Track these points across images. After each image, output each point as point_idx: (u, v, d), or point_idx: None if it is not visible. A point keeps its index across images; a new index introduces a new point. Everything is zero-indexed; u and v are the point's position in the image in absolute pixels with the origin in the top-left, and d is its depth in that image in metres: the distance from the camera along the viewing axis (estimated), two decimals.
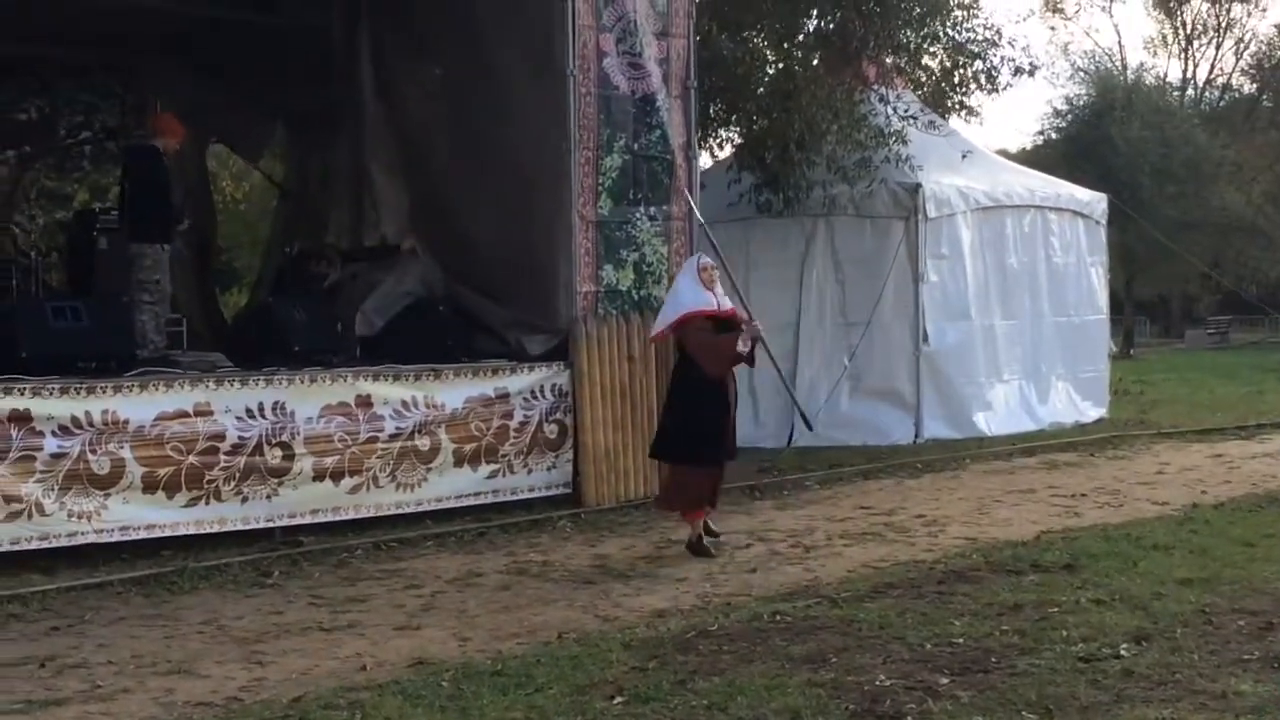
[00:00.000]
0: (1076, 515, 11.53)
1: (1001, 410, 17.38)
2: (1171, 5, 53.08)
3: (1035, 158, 37.40)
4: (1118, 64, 50.77)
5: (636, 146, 12.89)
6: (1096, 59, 51.11)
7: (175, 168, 12.85)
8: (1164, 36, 54.01)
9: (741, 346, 10.26)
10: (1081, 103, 42.49)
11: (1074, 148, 39.46)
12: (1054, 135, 43.41)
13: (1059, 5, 52.99)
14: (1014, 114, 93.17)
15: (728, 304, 10.64)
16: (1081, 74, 47.92)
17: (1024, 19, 76.37)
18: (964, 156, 17.47)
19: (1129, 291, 41.84)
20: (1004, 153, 31.69)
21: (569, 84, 12.30)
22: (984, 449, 15.73)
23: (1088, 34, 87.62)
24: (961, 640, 7.34)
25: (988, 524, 11.28)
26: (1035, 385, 18.06)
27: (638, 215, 12.85)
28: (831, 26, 16.67)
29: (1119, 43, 70.59)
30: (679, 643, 7.52)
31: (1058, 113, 43.47)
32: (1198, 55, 53.31)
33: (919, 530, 11.08)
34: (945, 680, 6.64)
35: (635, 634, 7.80)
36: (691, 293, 10.48)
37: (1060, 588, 8.52)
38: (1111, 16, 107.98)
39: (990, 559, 9.58)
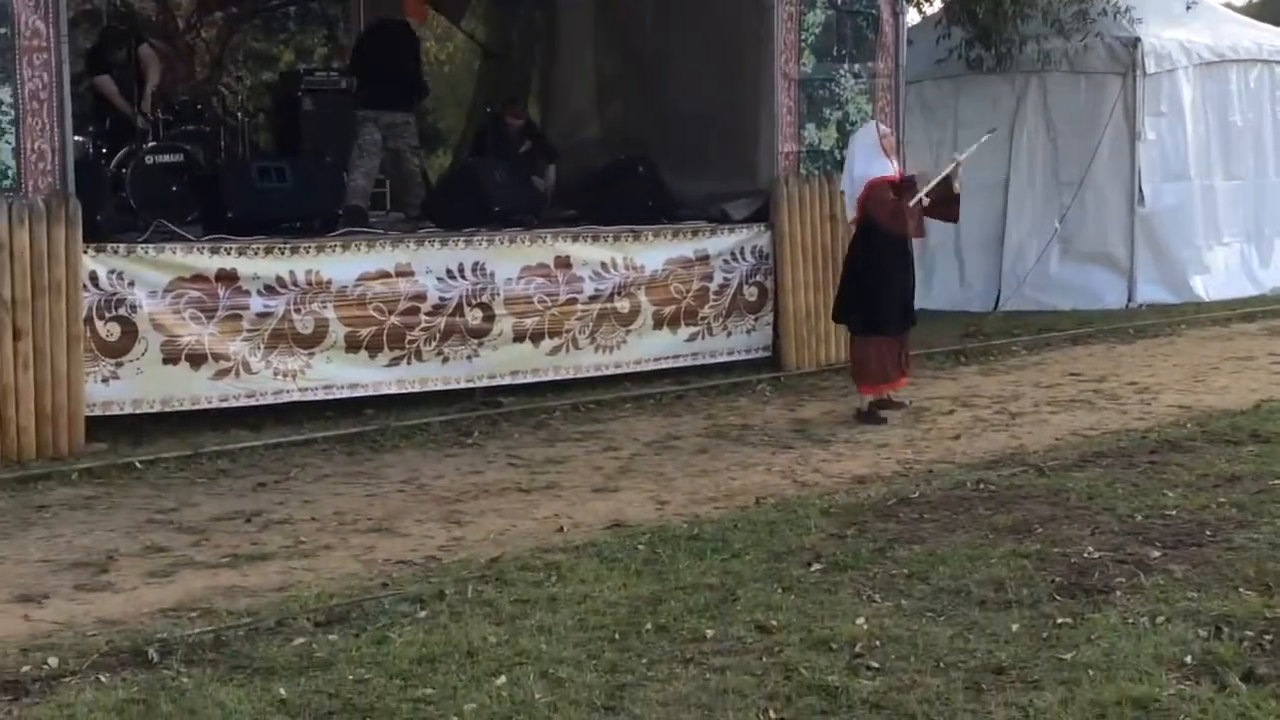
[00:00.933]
0: None
1: (1220, 274, 16.69)
2: None
3: (1264, 11, 35.68)
4: None
5: (840, 1, 12.51)
6: None
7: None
8: None
9: (925, 200, 10.12)
10: None
11: None
12: None
13: None
14: None
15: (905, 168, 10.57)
16: None
17: None
18: (1189, 8, 16.66)
19: None
20: (1229, 5, 30.25)
21: None
22: (1201, 314, 15.15)
23: None
24: (1174, 512, 7.05)
25: (1203, 392, 10.87)
26: (1257, 248, 17.30)
27: (841, 73, 12.51)
28: None
29: None
30: (879, 509, 7.37)
31: None
32: None
33: (1130, 398, 10.72)
34: (1157, 554, 6.39)
35: (834, 500, 7.67)
36: (866, 161, 10.27)
37: None
38: None
39: (1206, 428, 9.22)
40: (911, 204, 10.05)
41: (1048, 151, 16.26)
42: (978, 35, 15.43)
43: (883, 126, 10.42)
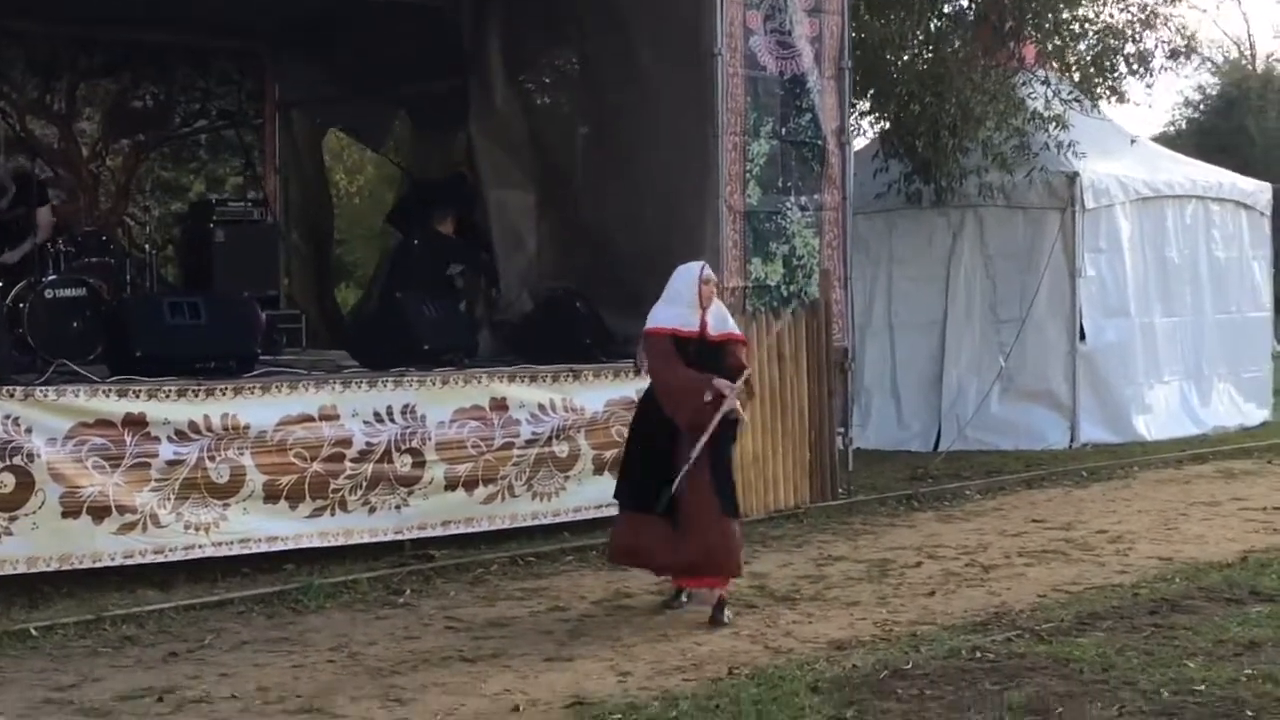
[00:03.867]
0: (1276, 531, 10.50)
1: (1162, 413, 16.27)
2: None
3: (1170, 148, 36.03)
4: (1247, 53, 49.08)
5: (785, 131, 12.01)
6: (1224, 49, 49.42)
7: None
8: None
9: (709, 397, 8.18)
10: (1215, 92, 40.95)
11: (1208, 139, 37.98)
12: (1184, 125, 41.90)
13: None
14: (1140, 103, 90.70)
15: (729, 327, 8.57)
16: (1210, 63, 46.34)
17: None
18: (1133, 142, 16.43)
19: None
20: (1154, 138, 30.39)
21: (716, 64, 11.43)
22: (1150, 455, 14.67)
23: (1215, 23, 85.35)
24: (1203, 687, 6.38)
25: (1179, 541, 10.30)
26: (1197, 386, 16.93)
27: (788, 205, 11.97)
28: (976, 5, 15.76)
29: (1248, 32, 68.33)
30: (873, 685, 6.63)
31: (1188, 102, 41.94)
32: None
33: (1104, 548, 10.12)
34: None
35: (819, 672, 6.93)
36: (666, 303, 8.51)
37: None
38: (1240, 4, 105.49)
39: (1200, 584, 8.62)
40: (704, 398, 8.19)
41: (985, 288, 15.85)
42: (917, 168, 15.02)
43: (708, 270, 8.57)
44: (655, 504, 8.32)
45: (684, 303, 8.44)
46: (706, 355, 8.37)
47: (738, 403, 8.37)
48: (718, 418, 8.19)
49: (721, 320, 8.54)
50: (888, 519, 11.52)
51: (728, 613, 8.25)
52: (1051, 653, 7.07)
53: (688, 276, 8.52)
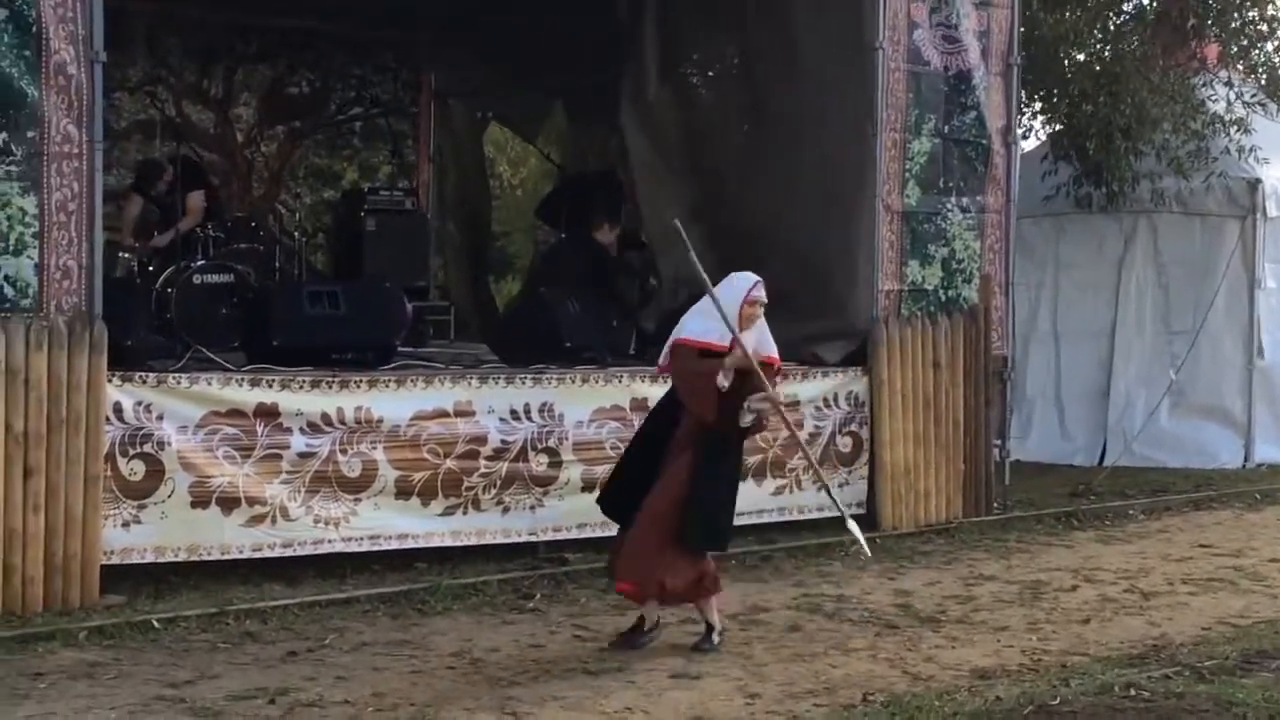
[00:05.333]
0: None
1: None
2: None
3: None
4: None
5: (948, 129, 11.53)
6: None
7: None
8: None
9: (722, 380, 7.49)
10: None
11: None
12: None
13: None
14: None
15: (766, 348, 7.73)
16: None
17: None
18: None
19: None
20: None
21: (877, 59, 10.99)
22: None
23: None
24: None
25: None
26: None
27: (948, 206, 11.50)
28: (1157, 3, 15.12)
29: None
30: None
31: None
32: None
33: (1276, 578, 9.52)
34: None
35: (959, 704, 6.51)
36: (702, 318, 7.77)
37: None
38: None
39: None
40: (718, 381, 7.49)
41: (1158, 297, 15.19)
42: (1087, 171, 14.41)
43: (758, 290, 7.71)
44: (623, 512, 7.77)
45: (720, 319, 7.61)
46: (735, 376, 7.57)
47: (755, 414, 7.64)
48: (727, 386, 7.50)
49: (760, 340, 7.70)
50: (1044, 537, 11.01)
51: (646, 638, 7.70)
52: (1213, 693, 6.56)
53: (732, 292, 7.71)
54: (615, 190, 13.40)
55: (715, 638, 7.74)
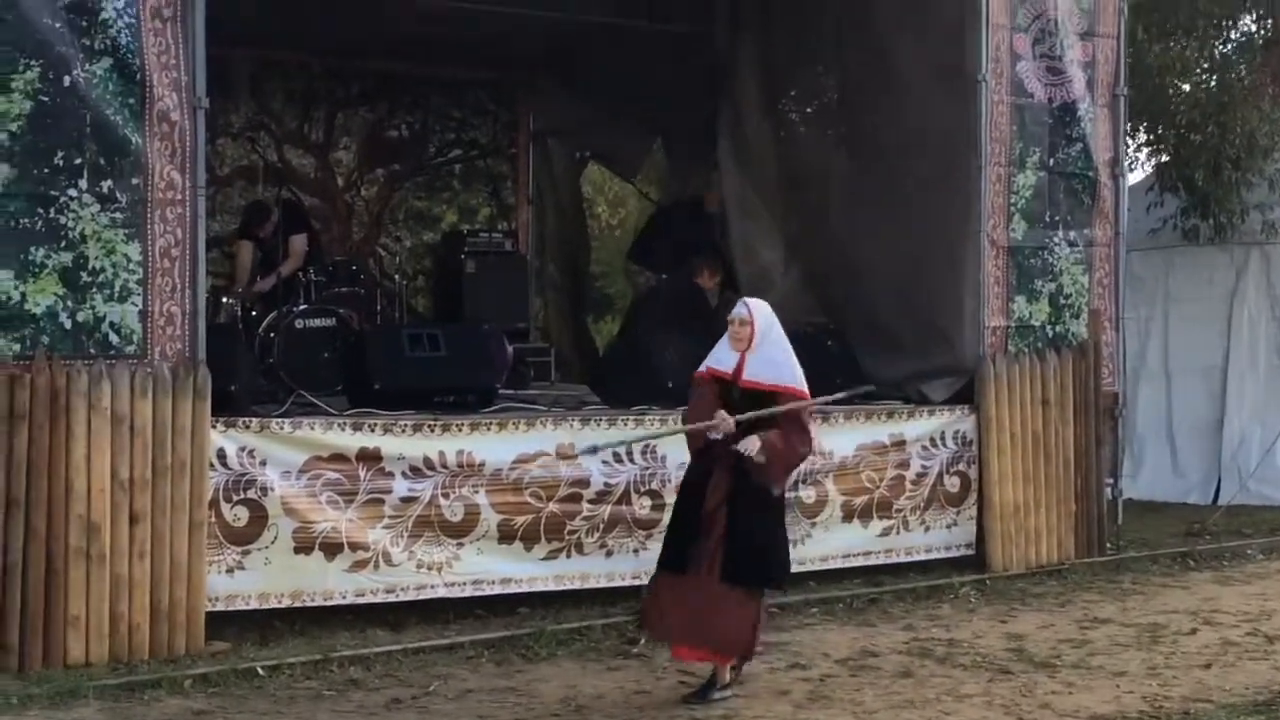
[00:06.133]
0: None
1: None
2: None
3: None
4: None
5: (1053, 162, 11.32)
6: None
7: None
8: None
9: (713, 434, 7.36)
10: None
11: None
12: None
13: None
14: None
15: (776, 375, 7.49)
16: None
17: None
18: None
19: None
20: None
21: (980, 91, 10.83)
22: None
23: None
24: None
25: None
26: None
27: (1055, 240, 11.28)
28: (1266, 31, 14.83)
29: None
30: None
31: None
32: None
33: None
34: None
35: None
36: (720, 345, 7.66)
37: None
38: None
39: None
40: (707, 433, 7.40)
41: (1271, 331, 14.82)
42: (1195, 203, 14.13)
43: (740, 308, 7.63)
44: (680, 563, 7.47)
45: (727, 341, 7.60)
46: (746, 405, 7.39)
47: (751, 451, 7.28)
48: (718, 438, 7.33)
49: (768, 365, 7.49)
50: (1160, 578, 10.73)
51: (718, 693, 7.40)
52: None
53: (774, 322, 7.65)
54: (707, 225, 13.31)
55: (715, 694, 7.43)
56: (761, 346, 7.49)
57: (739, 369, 7.48)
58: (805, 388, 7.53)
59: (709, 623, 7.31)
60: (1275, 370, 14.70)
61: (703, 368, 7.64)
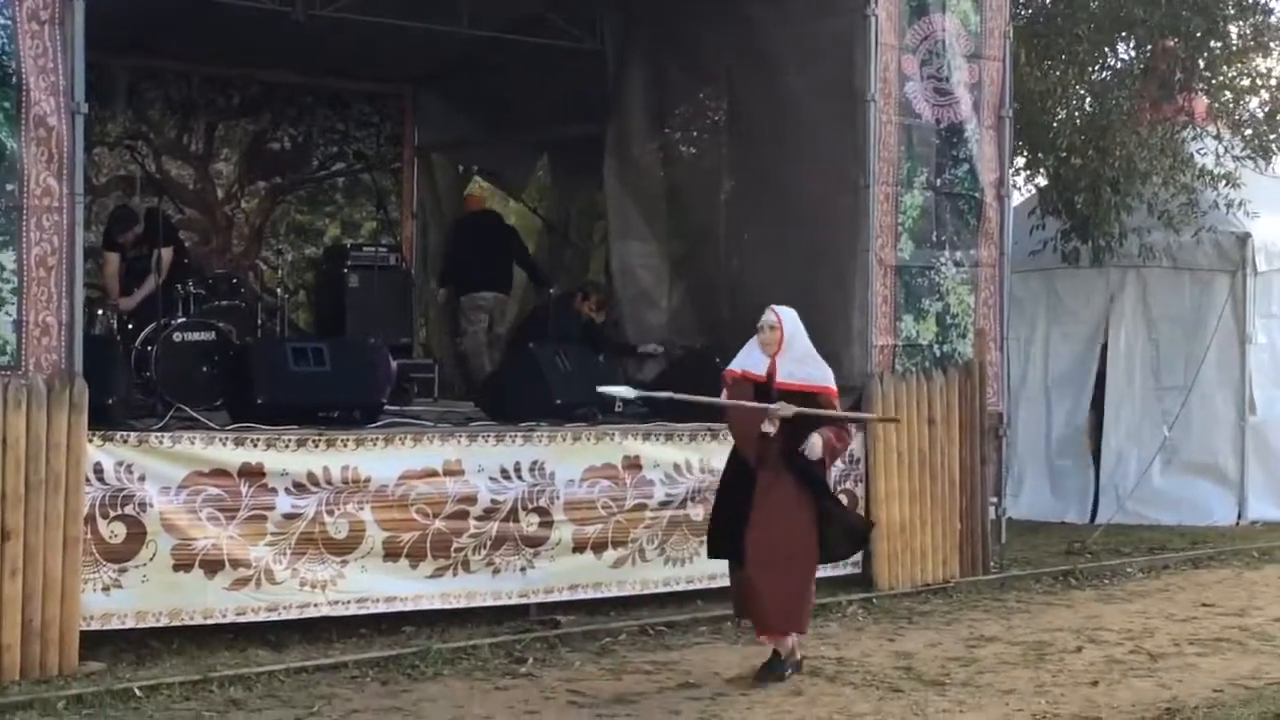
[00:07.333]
0: None
1: None
2: None
3: None
4: None
5: (940, 182, 11.39)
6: None
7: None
8: None
9: (767, 426, 7.91)
10: None
11: None
12: None
13: None
14: None
15: (809, 377, 8.17)
16: None
17: None
18: None
19: None
20: None
21: (869, 110, 10.87)
22: None
23: None
24: None
25: None
26: None
27: (942, 260, 11.35)
28: (1144, 57, 15.03)
29: None
30: None
31: None
32: None
33: None
34: None
35: None
36: (746, 350, 8.29)
37: None
38: None
39: None
40: (762, 428, 7.93)
41: (1148, 353, 15.05)
42: (1075, 226, 14.29)
43: (768, 314, 8.30)
44: (736, 554, 8.14)
45: (755, 346, 8.24)
46: (788, 398, 8.04)
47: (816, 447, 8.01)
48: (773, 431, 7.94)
49: (799, 366, 8.20)
50: (1043, 597, 10.81)
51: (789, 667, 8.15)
52: None
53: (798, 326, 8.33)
54: (499, 236, 13.86)
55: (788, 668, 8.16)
56: (790, 350, 8.16)
57: (771, 371, 8.08)
58: (835, 387, 8.33)
59: (796, 606, 8.16)
60: (1151, 392, 14.92)
61: (734, 368, 8.23)
